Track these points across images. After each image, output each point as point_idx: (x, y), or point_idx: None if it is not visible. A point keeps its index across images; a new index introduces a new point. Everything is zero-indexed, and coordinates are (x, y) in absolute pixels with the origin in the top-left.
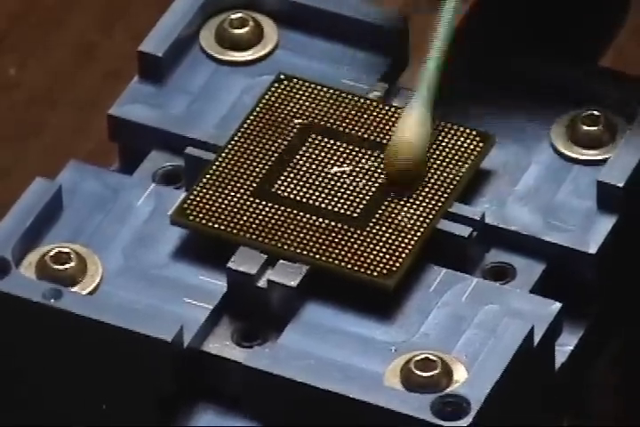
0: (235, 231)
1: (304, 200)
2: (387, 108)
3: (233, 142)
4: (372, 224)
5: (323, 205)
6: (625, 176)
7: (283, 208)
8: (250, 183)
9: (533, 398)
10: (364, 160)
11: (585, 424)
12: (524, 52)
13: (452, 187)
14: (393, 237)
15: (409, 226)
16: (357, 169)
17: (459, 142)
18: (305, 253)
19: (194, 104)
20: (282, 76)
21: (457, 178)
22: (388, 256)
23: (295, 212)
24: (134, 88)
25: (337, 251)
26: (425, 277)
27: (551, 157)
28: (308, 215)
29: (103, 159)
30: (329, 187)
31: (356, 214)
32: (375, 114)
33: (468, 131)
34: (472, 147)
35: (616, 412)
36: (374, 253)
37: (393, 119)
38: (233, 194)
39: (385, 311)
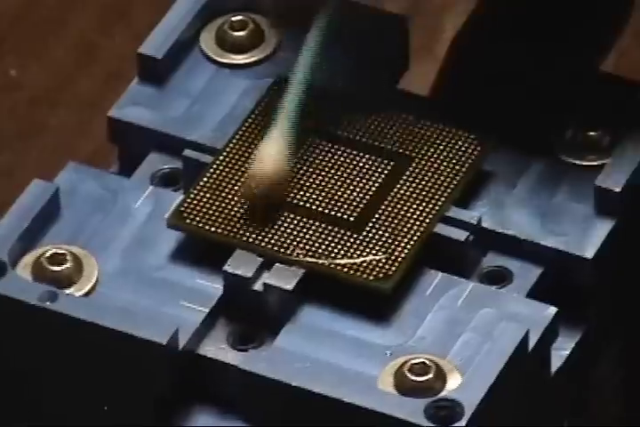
0: (231, 234)
1: (301, 203)
2: (386, 111)
3: (231, 145)
4: (368, 228)
5: (320, 209)
6: (622, 181)
7: (279, 211)
8: None
9: (529, 402)
10: (361, 163)
11: (585, 425)
12: (524, 54)
13: (449, 190)
14: (390, 240)
15: (406, 230)
16: (355, 172)
17: (457, 146)
18: (301, 256)
19: (193, 106)
20: (281, 79)
21: (454, 181)
22: (384, 260)
23: (292, 215)
24: (134, 90)
25: (334, 254)
26: (421, 281)
27: (549, 161)
28: (304, 219)
29: (104, 160)
30: (326, 190)
31: (352, 218)
32: (374, 117)
33: (466, 134)
34: (470, 150)
35: (617, 413)
36: (371, 256)
37: (392, 122)
38: (230, 197)
39: (381, 315)
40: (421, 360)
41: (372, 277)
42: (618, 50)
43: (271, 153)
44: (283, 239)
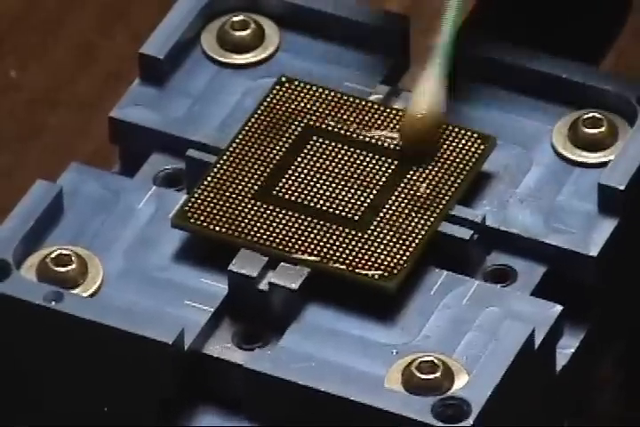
0: (236, 234)
1: (305, 203)
2: (388, 110)
3: (234, 145)
4: (373, 227)
5: (324, 208)
6: (626, 179)
7: (284, 211)
8: (251, 186)
9: (534, 400)
10: (365, 162)
11: (585, 425)
12: (525, 53)
13: (453, 189)
14: (394, 239)
15: (410, 228)
16: (358, 171)
17: (460, 144)
18: (306, 255)
19: (195, 106)
20: (283, 79)
21: (458, 180)
22: (389, 258)
23: (297, 214)
24: (135, 90)
25: (338, 253)
26: (426, 280)
27: (552, 160)
28: (309, 218)
29: (104, 160)
30: (330, 189)
31: (357, 217)
32: (377, 116)
33: (469, 133)
34: (473, 149)
35: (617, 413)
36: (376, 255)
37: (395, 121)
38: (234, 196)
39: (386, 314)
40: (430, 359)
41: (376, 276)
42: (617, 49)
43: (429, 95)
44: (287, 238)
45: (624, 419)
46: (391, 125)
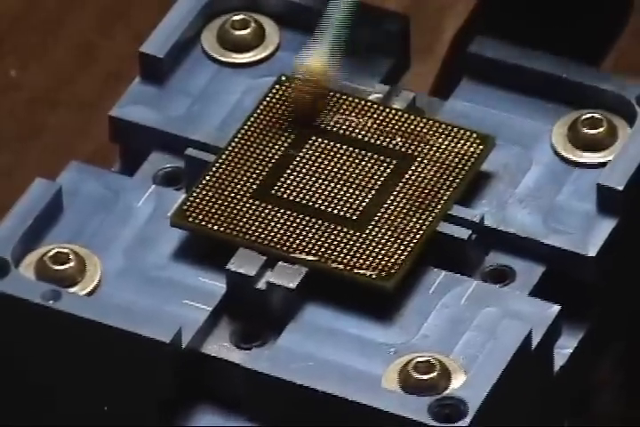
0: (234, 233)
1: (304, 202)
2: (387, 110)
3: (233, 144)
4: (371, 226)
5: (322, 207)
6: (625, 179)
7: (282, 210)
8: (250, 185)
9: (532, 400)
10: (364, 162)
11: (585, 425)
12: (525, 53)
13: (452, 189)
14: (392, 239)
15: (408, 228)
16: (357, 171)
17: (459, 144)
18: (304, 254)
19: (195, 106)
20: (283, 78)
21: (457, 180)
22: (387, 258)
23: (295, 214)
24: (135, 89)
25: (337, 253)
26: (424, 280)
27: (551, 160)
28: (307, 217)
29: (104, 160)
30: (329, 189)
31: (355, 216)
32: (376, 116)
33: (468, 133)
34: (472, 149)
35: (617, 413)
36: (374, 254)
37: (394, 121)
38: (233, 195)
39: (384, 313)
40: (426, 359)
41: (374, 276)
42: (617, 49)
43: (317, 57)
44: (286, 238)
45: (625, 419)
46: (390, 125)
